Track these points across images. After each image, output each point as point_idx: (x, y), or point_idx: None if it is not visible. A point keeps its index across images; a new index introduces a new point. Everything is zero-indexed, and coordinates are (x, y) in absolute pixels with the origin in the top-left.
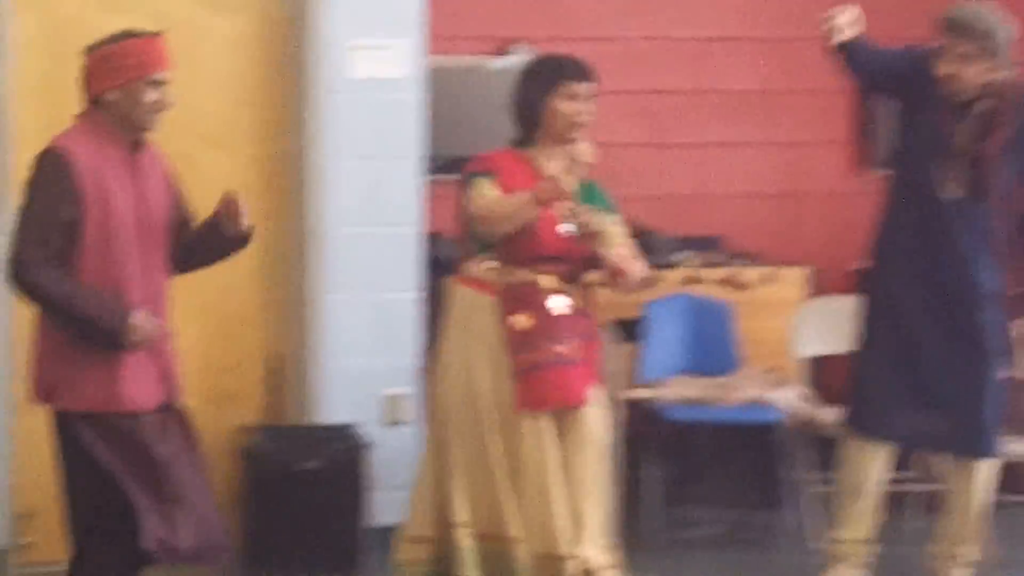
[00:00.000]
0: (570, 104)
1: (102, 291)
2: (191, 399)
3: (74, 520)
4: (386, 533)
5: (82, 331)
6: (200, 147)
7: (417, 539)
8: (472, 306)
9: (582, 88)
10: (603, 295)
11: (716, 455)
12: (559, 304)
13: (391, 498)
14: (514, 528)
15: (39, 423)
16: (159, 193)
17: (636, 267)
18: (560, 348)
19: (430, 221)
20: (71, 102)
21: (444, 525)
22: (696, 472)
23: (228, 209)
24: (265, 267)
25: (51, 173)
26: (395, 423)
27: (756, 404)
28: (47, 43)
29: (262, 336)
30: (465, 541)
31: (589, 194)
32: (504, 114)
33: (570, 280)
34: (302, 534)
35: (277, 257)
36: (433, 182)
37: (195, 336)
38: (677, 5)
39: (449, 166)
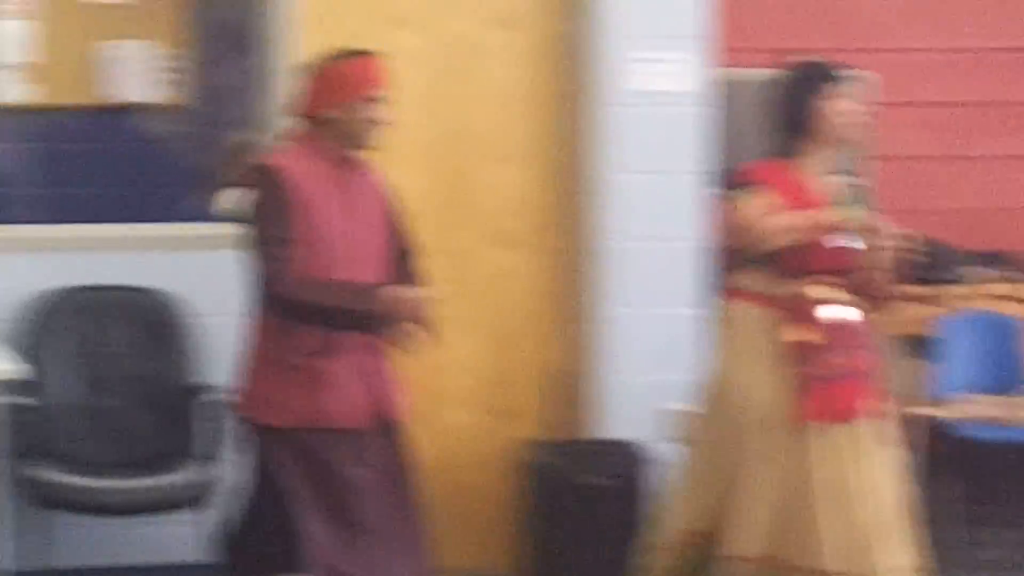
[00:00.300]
0: (842, 104)
1: (347, 283)
2: (470, 413)
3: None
4: None
5: (345, 325)
6: (481, 162)
7: (666, 547)
8: (747, 320)
9: (849, 88)
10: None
11: (1013, 475)
12: (837, 315)
13: None
14: (812, 557)
15: None
16: (373, 215)
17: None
18: (840, 360)
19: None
20: None
21: (699, 537)
22: (992, 492)
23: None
24: (545, 281)
25: (268, 189)
26: (676, 439)
27: None
28: None
29: (542, 350)
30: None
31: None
32: None
33: (847, 291)
34: (582, 548)
35: (557, 271)
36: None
37: (475, 351)
38: (966, 15)
39: None
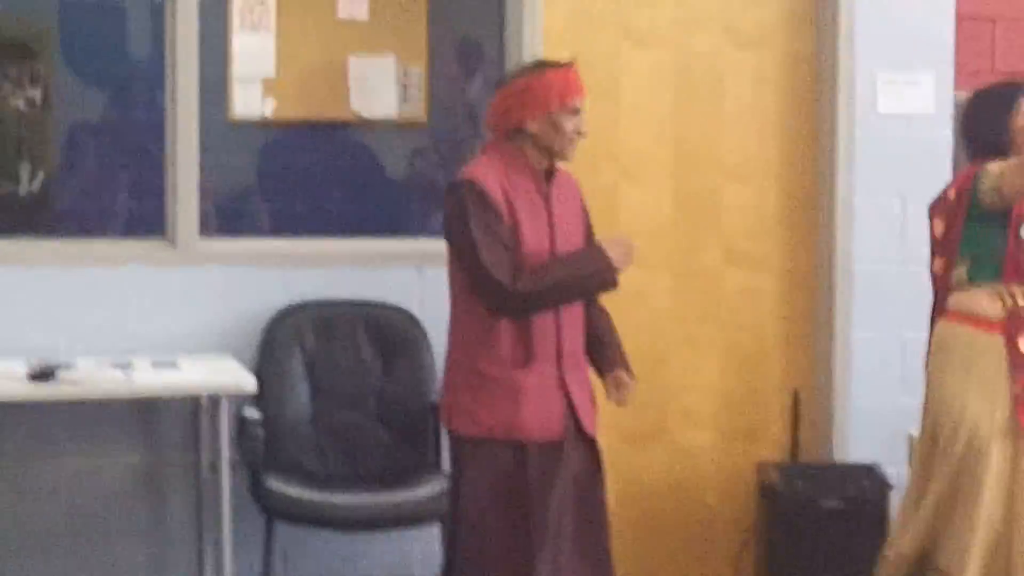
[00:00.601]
0: None
1: (563, 256)
2: (711, 433)
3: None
4: None
5: (582, 292)
6: (725, 180)
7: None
8: (972, 346)
9: None
10: None
11: None
12: None
13: None
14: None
15: None
16: (574, 222)
17: None
18: None
19: None
20: (600, 137)
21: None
22: None
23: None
24: (788, 302)
25: (473, 199)
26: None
27: None
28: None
29: (784, 372)
30: None
31: None
32: None
33: None
34: (821, 572)
35: (801, 292)
36: None
37: (716, 370)
38: None
39: None
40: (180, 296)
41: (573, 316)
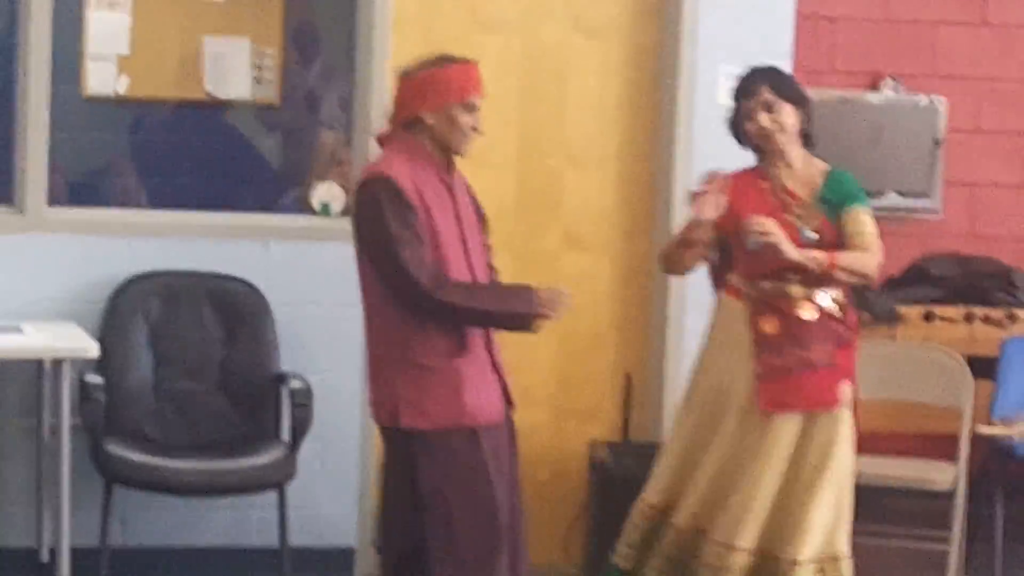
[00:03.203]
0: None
1: (494, 284)
2: (545, 413)
3: (389, 543)
4: None
5: (499, 326)
6: (567, 165)
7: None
8: (729, 312)
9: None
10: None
11: None
12: (808, 310)
13: None
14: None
15: None
16: (471, 216)
17: (856, 262)
18: (806, 353)
19: None
20: None
21: (656, 510)
22: None
23: None
24: (624, 287)
25: (389, 196)
26: None
27: None
28: None
29: (618, 354)
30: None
31: (833, 184)
32: (874, 147)
33: (816, 287)
34: None
35: (637, 277)
36: None
37: (551, 352)
38: None
39: None
40: (27, 263)
41: None
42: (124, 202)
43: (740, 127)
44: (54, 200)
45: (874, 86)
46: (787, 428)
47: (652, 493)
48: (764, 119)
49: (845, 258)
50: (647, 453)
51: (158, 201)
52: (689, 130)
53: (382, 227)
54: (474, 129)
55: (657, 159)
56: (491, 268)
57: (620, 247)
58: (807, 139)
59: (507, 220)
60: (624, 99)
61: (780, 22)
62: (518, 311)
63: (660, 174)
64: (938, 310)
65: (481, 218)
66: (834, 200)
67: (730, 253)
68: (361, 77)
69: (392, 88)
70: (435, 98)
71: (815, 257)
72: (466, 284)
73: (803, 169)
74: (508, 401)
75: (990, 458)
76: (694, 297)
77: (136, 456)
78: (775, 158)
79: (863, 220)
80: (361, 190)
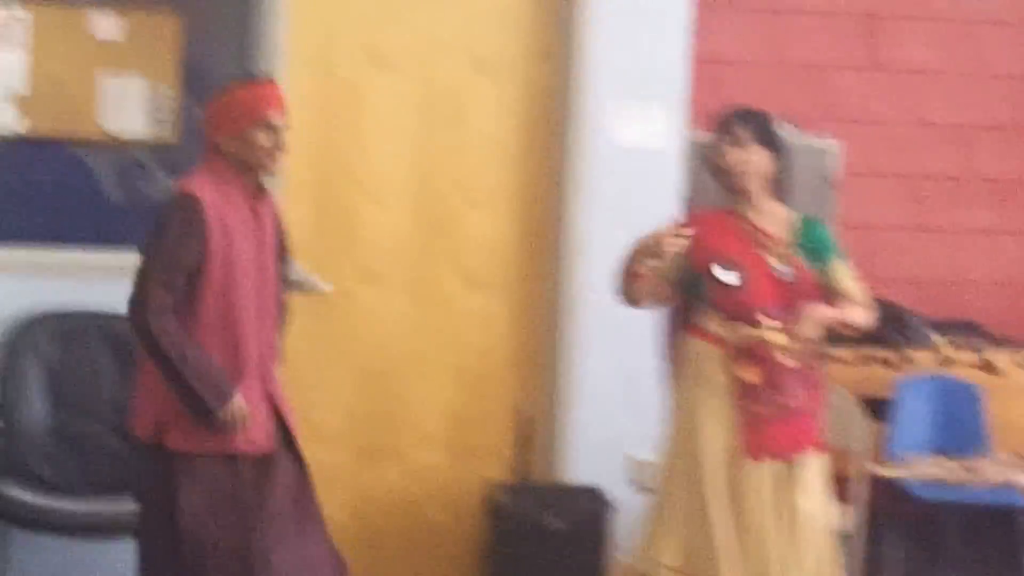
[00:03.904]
0: (723, 153)
1: (212, 363)
2: (438, 452)
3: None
4: None
5: (180, 393)
6: (464, 206)
7: (630, 572)
8: (703, 357)
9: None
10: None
11: (962, 538)
12: (789, 357)
13: None
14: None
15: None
16: (271, 238)
17: (857, 314)
18: (785, 400)
19: None
20: (342, 159)
21: (655, 563)
22: (940, 553)
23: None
24: (521, 326)
25: (182, 216)
26: (640, 487)
27: (1006, 488)
28: (322, 101)
29: (512, 393)
30: None
31: (809, 232)
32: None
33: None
34: None
35: (533, 317)
36: None
37: (447, 391)
38: (945, 91)
39: None
40: None
41: (271, 324)
42: (16, 240)
43: (711, 161)
44: None
45: None
46: (769, 474)
47: (669, 555)
48: (732, 156)
49: (854, 314)
50: (543, 493)
51: (52, 239)
52: (584, 169)
53: (159, 239)
54: (276, 148)
55: (554, 198)
56: (281, 302)
57: (517, 287)
58: (777, 186)
59: (404, 259)
60: (521, 138)
61: (674, 63)
62: (204, 398)
63: (557, 213)
64: (833, 351)
65: (284, 248)
66: (812, 248)
67: (700, 292)
68: None
69: (202, 113)
70: (230, 123)
71: (840, 316)
72: (185, 339)
73: (772, 212)
74: (290, 436)
75: (887, 499)
76: (588, 338)
77: (29, 497)
78: (744, 198)
79: (850, 274)
80: (166, 205)
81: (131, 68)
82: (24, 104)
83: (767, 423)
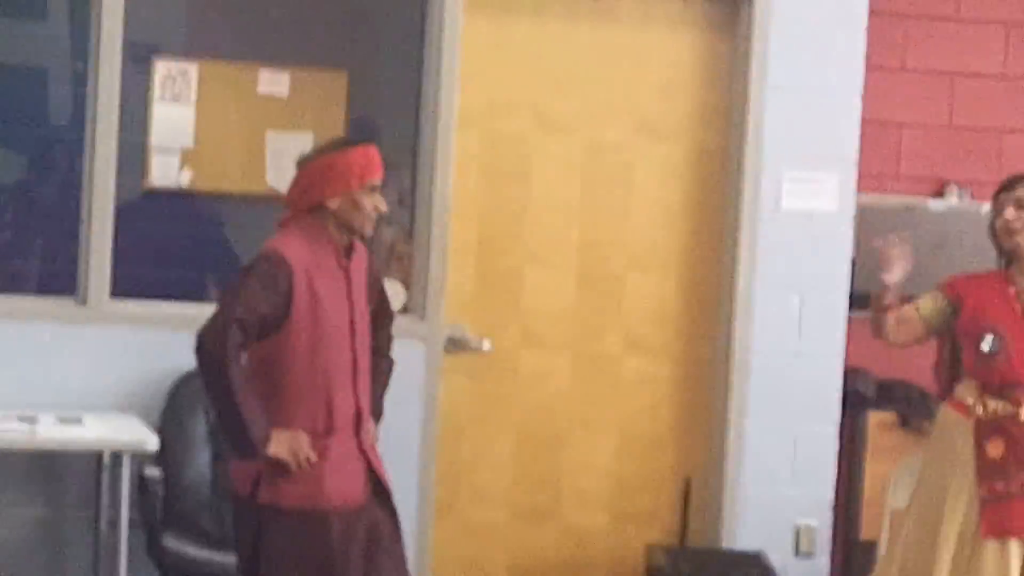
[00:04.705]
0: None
1: (258, 405)
2: (602, 515)
3: None
4: None
5: (230, 425)
6: (629, 269)
7: None
8: (952, 427)
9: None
10: None
11: None
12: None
13: None
14: None
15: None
16: (365, 294)
17: None
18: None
19: (849, 355)
20: (508, 220)
21: None
22: None
23: None
24: (685, 389)
25: (268, 270)
26: (805, 554)
27: None
28: (489, 162)
29: (677, 457)
30: None
31: None
32: (939, 255)
33: None
34: None
35: (698, 380)
36: (854, 317)
37: (609, 453)
38: None
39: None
40: (88, 354)
41: (366, 380)
42: (184, 295)
43: (991, 223)
44: (115, 291)
45: (938, 193)
46: (1012, 554)
47: None
48: (1010, 213)
49: None
50: (705, 559)
51: (214, 293)
52: (753, 234)
53: (239, 285)
54: (376, 210)
55: (720, 262)
56: (380, 356)
57: (681, 350)
58: None
59: (567, 320)
60: (687, 202)
61: (846, 127)
62: (252, 434)
63: (723, 278)
64: None
65: (380, 305)
66: None
67: (958, 357)
68: (423, 173)
69: (296, 176)
70: (337, 183)
71: None
72: (243, 373)
73: None
74: (383, 489)
75: None
76: (754, 402)
77: (192, 550)
78: (1022, 263)
79: None
80: (252, 260)
81: (299, 125)
82: (191, 159)
83: (1009, 501)
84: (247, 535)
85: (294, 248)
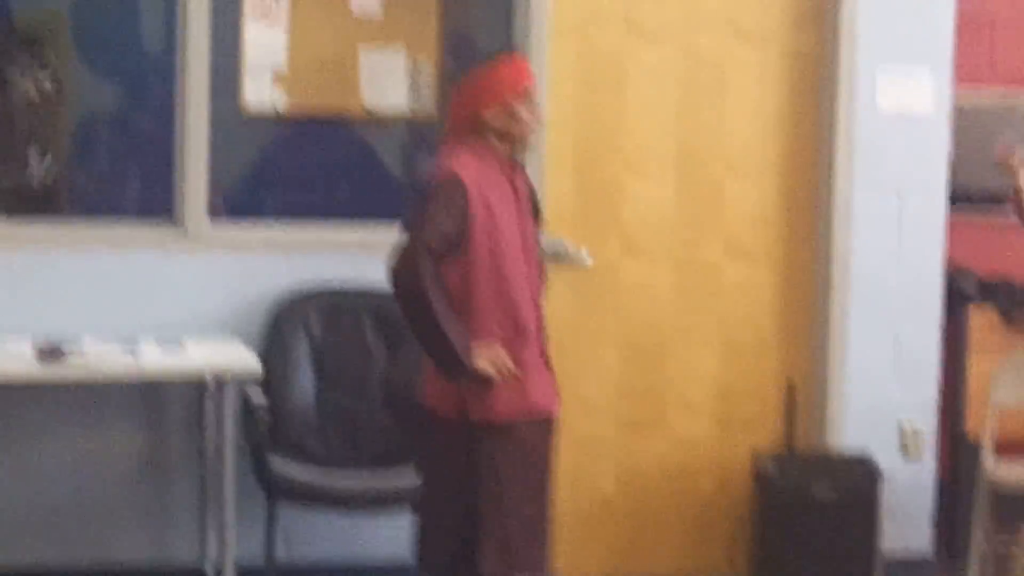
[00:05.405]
0: None
1: (457, 325)
2: (707, 423)
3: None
4: (896, 566)
5: (438, 352)
6: (727, 176)
7: None
8: None
9: None
10: None
11: None
12: None
13: (902, 530)
14: None
15: None
16: (528, 210)
17: None
18: None
19: (949, 254)
20: (605, 132)
21: None
22: None
23: None
24: (786, 295)
25: (446, 192)
26: (912, 453)
27: None
28: (584, 73)
29: (779, 363)
30: None
31: None
32: None
33: None
34: (813, 562)
35: (799, 286)
36: (953, 215)
37: (712, 362)
38: None
39: (970, 199)
40: (188, 281)
41: (538, 289)
42: (282, 217)
43: None
44: (213, 216)
45: None
46: None
47: None
48: None
49: None
50: (812, 463)
51: (315, 215)
52: (850, 136)
53: (422, 213)
54: (537, 120)
55: (818, 166)
56: (542, 266)
57: (782, 256)
58: None
59: (667, 230)
60: (783, 106)
61: (940, 24)
62: (461, 356)
63: (821, 181)
64: None
65: (537, 214)
66: None
67: None
68: None
69: (452, 92)
70: (497, 96)
71: None
72: (442, 300)
73: None
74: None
75: None
76: (856, 305)
77: (300, 472)
78: None
79: None
80: (427, 186)
81: (392, 43)
82: (285, 82)
83: None
84: (458, 456)
85: (464, 166)
